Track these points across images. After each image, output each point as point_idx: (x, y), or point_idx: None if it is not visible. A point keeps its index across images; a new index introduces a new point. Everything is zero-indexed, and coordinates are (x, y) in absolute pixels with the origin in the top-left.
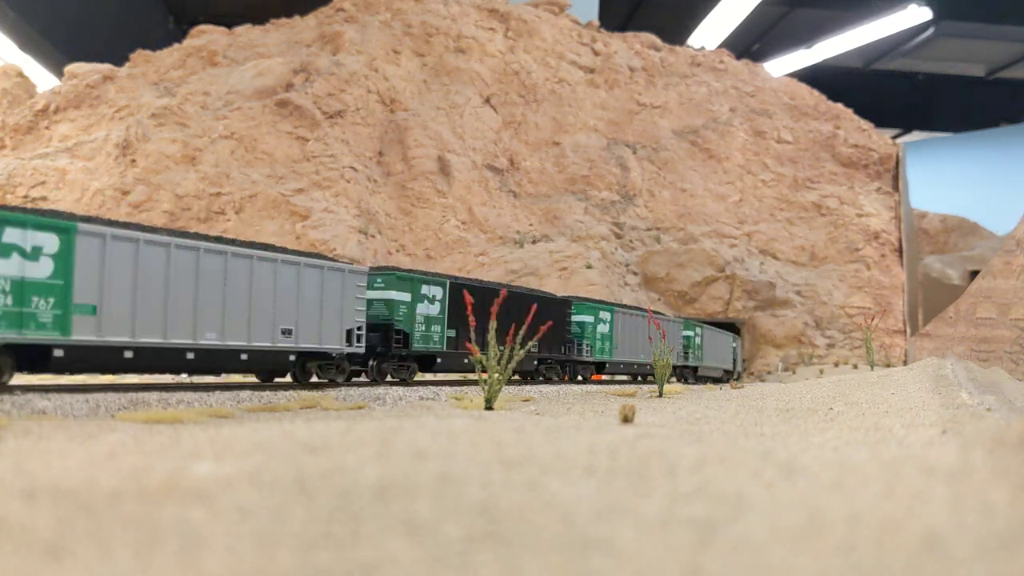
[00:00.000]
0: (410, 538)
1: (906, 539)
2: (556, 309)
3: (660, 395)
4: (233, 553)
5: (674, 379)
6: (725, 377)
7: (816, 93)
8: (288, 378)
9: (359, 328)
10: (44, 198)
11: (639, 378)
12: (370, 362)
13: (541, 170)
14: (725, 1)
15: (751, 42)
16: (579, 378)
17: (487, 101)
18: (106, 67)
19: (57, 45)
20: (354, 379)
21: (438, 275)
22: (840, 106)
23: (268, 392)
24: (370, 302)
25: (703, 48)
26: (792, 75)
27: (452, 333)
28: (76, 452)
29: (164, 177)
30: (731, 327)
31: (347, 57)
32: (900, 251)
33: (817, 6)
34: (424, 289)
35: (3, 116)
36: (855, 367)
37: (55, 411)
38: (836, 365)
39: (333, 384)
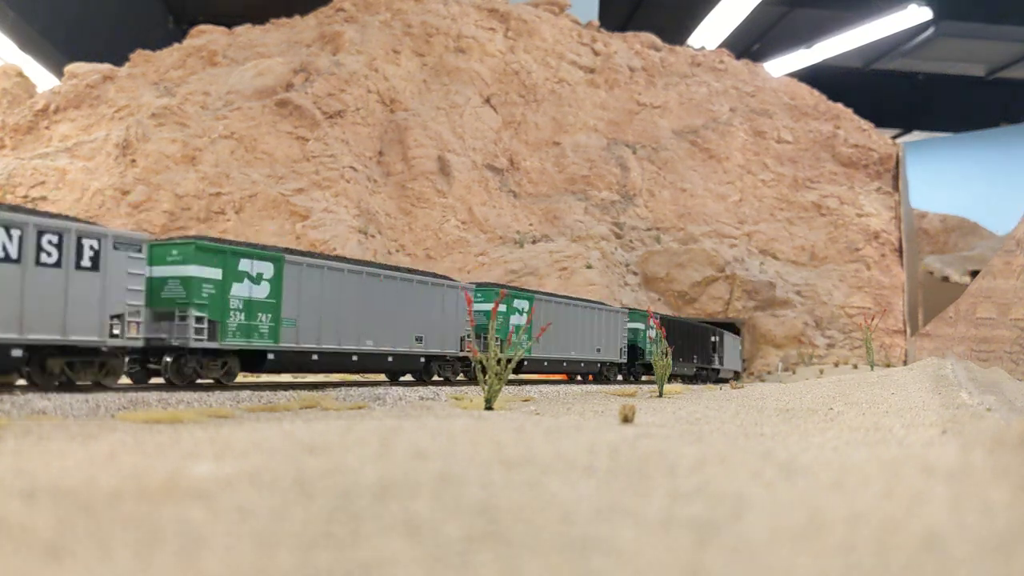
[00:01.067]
0: (410, 538)
1: (906, 539)
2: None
3: (660, 395)
4: (233, 553)
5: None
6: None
7: (816, 93)
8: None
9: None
10: (44, 198)
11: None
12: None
13: (541, 170)
14: (725, 1)
15: (751, 42)
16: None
17: (487, 101)
18: (106, 67)
19: (57, 45)
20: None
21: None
22: (840, 106)
23: (268, 392)
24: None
25: (703, 48)
26: (792, 75)
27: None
28: (76, 452)
29: (164, 177)
30: (731, 327)
31: (347, 57)
32: (900, 251)
33: (817, 6)
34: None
35: (3, 116)
36: (855, 367)
37: (55, 411)
38: (836, 365)
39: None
